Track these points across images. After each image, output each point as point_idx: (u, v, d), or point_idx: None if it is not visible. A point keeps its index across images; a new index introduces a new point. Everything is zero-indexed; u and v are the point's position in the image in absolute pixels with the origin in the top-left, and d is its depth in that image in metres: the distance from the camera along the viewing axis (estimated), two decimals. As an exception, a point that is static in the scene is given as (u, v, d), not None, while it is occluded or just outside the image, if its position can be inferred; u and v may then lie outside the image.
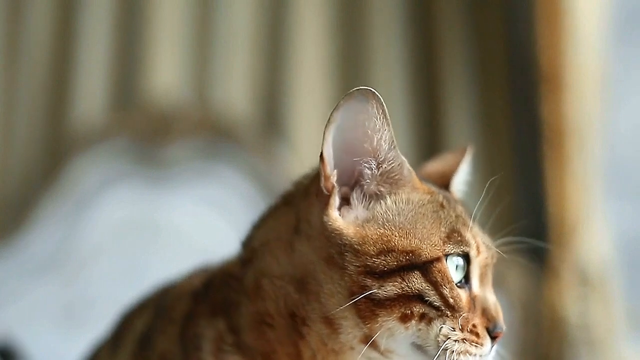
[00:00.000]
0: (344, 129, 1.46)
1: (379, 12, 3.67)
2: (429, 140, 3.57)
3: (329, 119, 1.45)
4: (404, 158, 1.50)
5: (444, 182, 1.65)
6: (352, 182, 1.50)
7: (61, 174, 3.46)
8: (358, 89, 1.44)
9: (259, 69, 3.65)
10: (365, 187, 1.49)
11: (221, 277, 1.64)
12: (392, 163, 1.49)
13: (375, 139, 1.47)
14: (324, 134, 1.45)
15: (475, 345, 1.45)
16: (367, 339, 1.46)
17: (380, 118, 1.45)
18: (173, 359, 1.61)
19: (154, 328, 1.70)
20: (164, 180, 3.43)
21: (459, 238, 1.47)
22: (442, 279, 1.44)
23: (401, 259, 1.43)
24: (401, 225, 1.46)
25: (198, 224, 3.36)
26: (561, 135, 3.32)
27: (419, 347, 1.45)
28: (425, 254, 1.44)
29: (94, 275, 3.32)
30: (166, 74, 3.61)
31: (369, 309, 1.44)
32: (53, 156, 3.58)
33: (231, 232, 3.15)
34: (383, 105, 1.45)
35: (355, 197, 1.49)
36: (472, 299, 1.48)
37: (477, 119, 3.57)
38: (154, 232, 3.36)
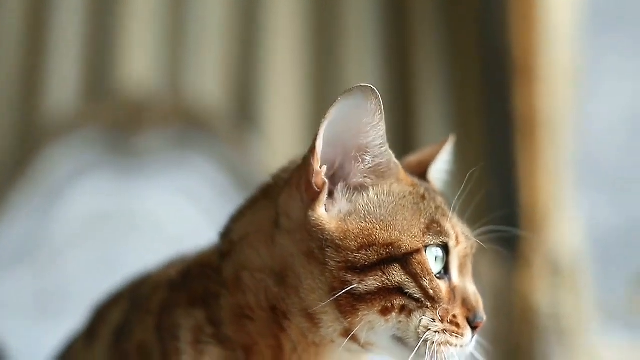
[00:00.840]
0: (338, 124, 1.45)
1: (352, 4, 3.67)
2: (402, 132, 3.57)
3: (326, 115, 1.44)
4: (391, 152, 1.51)
5: (421, 172, 1.66)
6: (338, 176, 1.50)
7: (33, 164, 3.44)
8: (359, 86, 1.44)
9: (232, 58, 3.65)
10: (352, 180, 1.50)
11: (199, 267, 1.63)
12: (382, 158, 1.50)
13: (371, 134, 1.47)
14: (319, 129, 1.45)
15: (456, 336, 1.45)
16: (348, 333, 1.46)
17: (377, 114, 1.46)
18: (150, 349, 1.60)
19: (131, 319, 1.70)
20: (136, 169, 3.41)
21: (438, 229, 1.47)
22: (422, 271, 1.44)
23: (382, 252, 1.44)
24: (382, 218, 1.46)
25: (171, 213, 3.36)
26: (534, 126, 3.34)
27: (400, 340, 1.45)
28: (405, 246, 1.44)
29: (67, 266, 3.30)
30: (139, 63, 3.60)
31: (350, 303, 1.44)
32: (25, 146, 3.56)
33: (204, 222, 3.18)
34: (381, 102, 1.45)
35: (339, 190, 1.49)
36: (452, 290, 1.48)
37: (450, 111, 3.57)
38: (126, 222, 3.35)
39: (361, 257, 1.44)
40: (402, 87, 3.64)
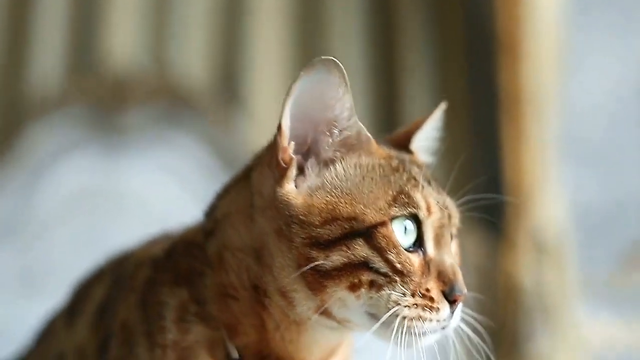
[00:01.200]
0: (303, 99, 1.44)
1: (336, -20, 3.66)
2: (386, 108, 3.57)
3: (289, 90, 1.43)
4: (361, 125, 1.49)
5: (406, 142, 1.64)
6: (308, 152, 1.49)
7: (17, 141, 3.43)
8: (320, 59, 1.43)
9: (217, 36, 3.63)
10: (322, 155, 1.48)
11: (184, 245, 1.63)
12: (351, 130, 1.48)
13: (337, 107, 1.46)
14: (283, 105, 1.44)
15: (430, 310, 1.42)
16: (322, 310, 1.44)
17: (342, 87, 1.44)
18: (134, 327, 1.60)
19: (114, 297, 1.69)
20: (121, 147, 3.41)
21: (407, 200, 1.44)
22: (387, 244, 1.42)
23: (345, 226, 1.42)
24: (347, 192, 1.45)
25: (155, 191, 3.35)
26: (518, 103, 3.33)
27: (373, 316, 1.43)
28: (369, 219, 1.42)
29: (52, 243, 3.29)
30: (124, 40, 3.58)
31: (317, 280, 1.43)
32: (9, 124, 3.54)
33: (188, 200, 3.17)
34: (344, 74, 1.43)
35: (309, 166, 1.48)
36: (427, 263, 1.45)
37: (435, 88, 3.57)
38: (111, 199, 3.34)
39: (325, 233, 1.42)
40: (386, 63, 3.63)
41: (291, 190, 1.46)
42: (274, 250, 1.47)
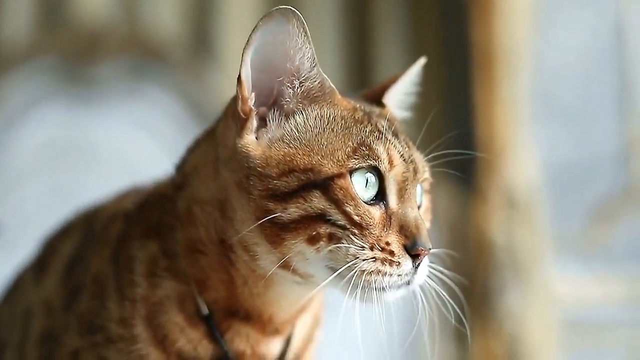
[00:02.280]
0: (263, 50, 1.43)
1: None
2: (360, 65, 3.56)
3: (248, 40, 1.41)
4: (325, 76, 1.47)
5: (380, 96, 1.63)
6: (270, 103, 1.47)
7: (-14, 93, 3.41)
8: (277, 9, 1.41)
9: (189, -13, 3.61)
10: (284, 106, 1.47)
11: (155, 198, 1.61)
12: (313, 81, 1.46)
13: (297, 57, 1.44)
14: (242, 56, 1.42)
15: (390, 264, 1.40)
16: (284, 264, 1.43)
17: (301, 37, 1.42)
18: (106, 280, 1.59)
19: (85, 251, 1.68)
20: (91, 99, 3.38)
21: (367, 152, 1.42)
22: (344, 196, 1.39)
23: (302, 178, 1.40)
24: (306, 143, 1.43)
25: (127, 143, 3.34)
26: (491, 60, 3.33)
27: (334, 270, 1.41)
28: (326, 171, 1.40)
29: (23, 195, 3.28)
30: (95, -9, 3.55)
31: (275, 233, 1.41)
32: (-22, 76, 3.51)
33: (160, 153, 3.16)
34: (304, 24, 1.42)
35: (271, 117, 1.46)
36: (389, 216, 1.43)
37: (408, 44, 3.56)
38: (82, 151, 3.33)
39: (282, 184, 1.41)
40: (360, 20, 3.62)
41: (250, 141, 1.44)
42: (235, 203, 1.45)
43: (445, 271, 1.53)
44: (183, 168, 1.59)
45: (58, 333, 1.65)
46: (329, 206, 1.39)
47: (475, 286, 3.34)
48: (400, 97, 1.67)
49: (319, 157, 1.41)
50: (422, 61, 1.67)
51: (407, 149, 1.48)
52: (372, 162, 1.42)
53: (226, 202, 1.47)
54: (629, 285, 3.58)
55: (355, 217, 1.40)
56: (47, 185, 3.28)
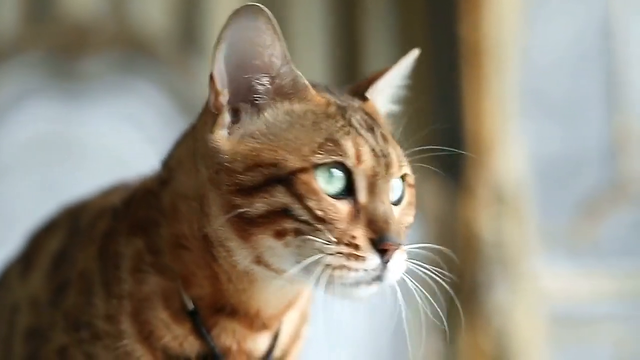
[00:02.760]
0: (234, 47, 1.42)
1: None
2: (347, 58, 3.56)
3: (219, 37, 1.42)
4: (298, 72, 1.46)
5: (365, 89, 1.61)
6: (243, 99, 1.46)
7: (-27, 88, 3.40)
8: (245, 6, 1.40)
9: (177, -18, 3.61)
10: (256, 103, 1.46)
11: (141, 194, 1.60)
12: (284, 78, 1.46)
13: (266, 54, 1.43)
14: (214, 52, 1.42)
15: (355, 259, 1.37)
16: (257, 260, 1.42)
17: (270, 33, 1.42)
18: (92, 277, 1.58)
19: (72, 247, 1.67)
20: (79, 94, 3.38)
21: (333, 147, 1.40)
22: (307, 191, 1.38)
23: (266, 172, 1.39)
24: (273, 138, 1.42)
25: (115, 139, 3.33)
26: (479, 54, 3.34)
27: (301, 264, 1.39)
28: (290, 165, 1.39)
29: (10, 191, 3.28)
30: (82, -15, 3.55)
31: (244, 228, 1.40)
32: (-34, 70, 3.51)
33: (148, 148, 3.16)
34: (272, 20, 1.41)
35: (244, 113, 1.45)
36: (357, 210, 1.40)
37: (395, 38, 3.56)
38: (70, 146, 3.32)
39: (247, 179, 1.40)
40: (347, 13, 3.62)
41: (221, 136, 1.44)
42: (210, 198, 1.45)
43: (428, 267, 1.49)
44: (169, 163, 1.58)
45: (44, 329, 1.64)
46: (291, 201, 1.38)
47: (463, 281, 3.35)
48: (389, 90, 1.65)
49: (284, 152, 1.40)
50: (414, 53, 1.65)
51: (381, 143, 1.46)
52: (337, 158, 1.40)
53: (203, 197, 1.47)
54: (618, 280, 3.59)
55: (318, 212, 1.38)
56: (35, 180, 3.28)
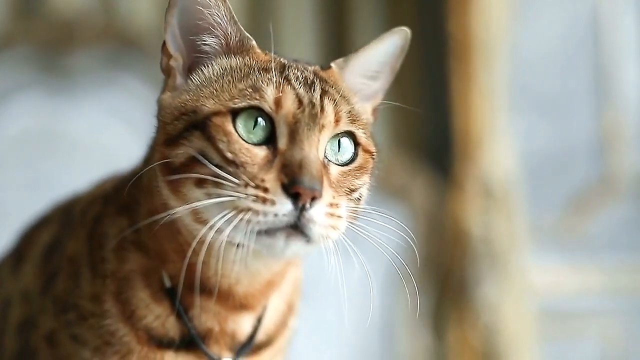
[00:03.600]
0: (183, 12, 1.48)
1: None
2: (335, 53, 3.56)
3: (169, 3, 1.48)
4: (245, 33, 1.51)
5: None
6: (193, 59, 1.51)
7: (-39, 83, 3.39)
8: None
9: (165, -23, 3.59)
10: (202, 62, 1.51)
11: (130, 177, 1.61)
12: (230, 37, 1.51)
13: (209, 14, 1.48)
14: (165, 17, 1.49)
15: (263, 201, 1.36)
16: (196, 217, 1.42)
17: None
18: (81, 260, 1.60)
19: (63, 236, 1.69)
20: (68, 89, 3.37)
21: (251, 92, 1.42)
22: (218, 132, 1.40)
23: (186, 119, 1.42)
24: (201, 88, 1.46)
25: (103, 133, 3.33)
26: (468, 50, 3.34)
27: (220, 211, 1.38)
28: (206, 110, 1.42)
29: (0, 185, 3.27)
30: (70, -19, 3.54)
31: (172, 182, 1.42)
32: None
33: (136, 141, 3.15)
34: None
35: (193, 73, 1.50)
36: (274, 156, 1.40)
37: (384, 32, 3.56)
38: (58, 141, 3.32)
39: (172, 128, 1.43)
40: (336, 11, 3.62)
41: (165, 96, 1.49)
42: (155, 160, 1.48)
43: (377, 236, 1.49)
44: (150, 142, 1.60)
45: (34, 317, 1.66)
46: (206, 144, 1.40)
47: (451, 275, 3.35)
48: (368, 65, 1.63)
49: (205, 99, 1.44)
50: (402, 31, 1.64)
51: (314, 95, 1.46)
52: (253, 102, 1.42)
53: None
54: (606, 275, 3.60)
55: (229, 154, 1.39)
56: (24, 174, 3.27)
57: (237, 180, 1.37)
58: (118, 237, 1.56)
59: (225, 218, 1.36)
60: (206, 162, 1.39)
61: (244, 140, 1.40)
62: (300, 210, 1.36)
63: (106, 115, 3.34)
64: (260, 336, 1.61)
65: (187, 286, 1.51)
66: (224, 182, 1.37)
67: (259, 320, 1.60)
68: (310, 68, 1.54)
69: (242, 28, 1.51)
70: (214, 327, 1.55)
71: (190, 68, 1.51)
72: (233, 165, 1.38)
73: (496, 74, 3.36)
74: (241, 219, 1.36)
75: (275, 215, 1.36)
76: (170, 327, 1.54)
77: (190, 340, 1.55)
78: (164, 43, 1.50)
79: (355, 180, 1.50)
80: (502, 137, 3.37)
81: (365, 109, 1.64)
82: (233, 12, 1.49)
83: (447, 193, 3.38)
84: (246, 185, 1.37)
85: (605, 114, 3.63)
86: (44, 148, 3.31)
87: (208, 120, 1.41)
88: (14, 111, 3.35)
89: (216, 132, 1.40)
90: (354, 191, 1.49)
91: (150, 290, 1.54)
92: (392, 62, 1.65)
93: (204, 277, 1.49)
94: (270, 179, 1.37)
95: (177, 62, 1.50)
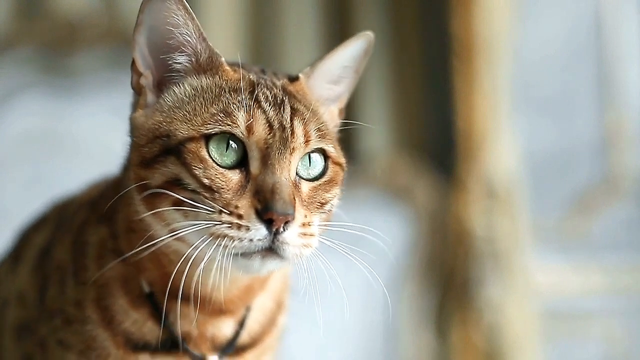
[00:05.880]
0: (151, 30, 1.47)
1: None
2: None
3: (136, 21, 1.46)
4: (214, 50, 1.50)
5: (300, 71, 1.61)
6: (164, 78, 1.50)
7: (-35, 83, 3.39)
8: None
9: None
10: (173, 80, 1.50)
11: (115, 185, 1.62)
12: (199, 55, 1.50)
13: (180, 34, 1.47)
14: (133, 36, 1.47)
15: (238, 228, 1.38)
16: (171, 232, 1.43)
17: (181, 14, 1.46)
18: (66, 267, 1.61)
19: (55, 239, 1.70)
20: (71, 89, 3.38)
21: (223, 117, 1.42)
22: (193, 159, 1.40)
23: (161, 143, 1.42)
24: (173, 111, 1.46)
25: (105, 133, 3.33)
26: (470, 50, 3.34)
27: (197, 234, 1.40)
28: (180, 135, 1.42)
29: (2, 186, 3.27)
30: (73, -18, 3.54)
31: (150, 201, 1.43)
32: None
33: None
34: (182, 1, 1.45)
35: (164, 92, 1.50)
36: (247, 181, 1.42)
37: (387, 33, 3.56)
38: (61, 141, 3.32)
39: (146, 151, 1.44)
40: (340, 14, 3.61)
41: (137, 115, 1.49)
42: (131, 177, 1.48)
43: (349, 251, 1.48)
44: (126, 157, 1.61)
45: (33, 326, 1.67)
46: (181, 170, 1.41)
47: (455, 276, 3.35)
48: (333, 70, 1.63)
49: (178, 123, 1.43)
50: (366, 35, 1.63)
51: (285, 117, 1.46)
52: (225, 128, 1.42)
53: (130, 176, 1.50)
54: (608, 275, 3.60)
55: (205, 180, 1.40)
56: (27, 174, 3.27)
57: (212, 208, 1.39)
58: (98, 246, 1.58)
59: (203, 243, 1.38)
60: (183, 185, 1.41)
61: (217, 164, 1.41)
62: (274, 234, 1.39)
63: (108, 115, 3.34)
64: (244, 338, 1.62)
65: (164, 292, 1.50)
66: (199, 206, 1.39)
67: (241, 324, 1.60)
68: (278, 83, 1.54)
69: (210, 45, 1.49)
70: (193, 331, 1.55)
71: (159, 84, 1.50)
72: (209, 190, 1.40)
73: (499, 75, 3.36)
74: (218, 244, 1.38)
75: (251, 240, 1.38)
76: (147, 331, 1.55)
77: (169, 344, 1.56)
78: (133, 61, 1.49)
79: (326, 194, 1.52)
80: (505, 137, 3.37)
81: (332, 113, 1.65)
82: (201, 29, 1.48)
83: (450, 193, 3.38)
84: (221, 212, 1.39)
85: (608, 114, 3.63)
86: (46, 148, 3.31)
87: (182, 146, 1.41)
88: (17, 111, 3.35)
89: (192, 159, 1.41)
90: (325, 204, 1.50)
91: (129, 297, 1.55)
92: (355, 66, 1.64)
93: (180, 284, 1.48)
94: (244, 205, 1.39)
95: (147, 79, 1.49)
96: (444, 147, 3.38)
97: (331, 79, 1.63)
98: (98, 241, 1.58)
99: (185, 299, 1.52)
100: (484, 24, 3.33)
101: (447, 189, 3.39)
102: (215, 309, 1.54)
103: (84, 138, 3.32)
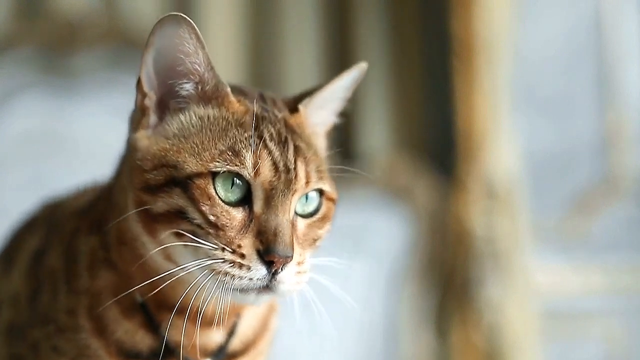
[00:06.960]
0: (160, 52, 1.47)
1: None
2: (338, 55, 3.56)
3: (147, 42, 1.47)
4: (221, 79, 1.51)
5: (299, 101, 1.62)
6: (168, 102, 1.50)
7: (-34, 83, 3.39)
8: (169, 15, 1.45)
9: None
10: (178, 106, 1.50)
11: (104, 193, 1.64)
12: (206, 84, 1.50)
13: (189, 61, 1.47)
14: (142, 56, 1.48)
15: (239, 267, 1.41)
16: (167, 257, 1.46)
17: (192, 41, 1.46)
18: (58, 274, 1.62)
19: (47, 244, 1.71)
20: (71, 89, 3.38)
21: (231, 157, 1.43)
22: (201, 195, 1.41)
23: (167, 172, 1.43)
24: (181, 140, 1.47)
25: (106, 134, 3.32)
26: (471, 50, 3.34)
27: (199, 268, 1.43)
28: (188, 169, 1.43)
29: (1, 186, 3.27)
30: (73, -19, 3.54)
31: (150, 224, 1.45)
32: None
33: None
34: (195, 29, 1.45)
35: (168, 116, 1.50)
36: (251, 220, 1.44)
37: (387, 33, 3.56)
38: (61, 142, 3.32)
39: (152, 178, 1.44)
40: (339, 10, 3.61)
41: (140, 136, 1.49)
42: (127, 194, 1.49)
43: (334, 287, 1.52)
44: (120, 158, 1.62)
45: (23, 328, 1.67)
46: (187, 204, 1.42)
47: (455, 276, 3.35)
48: (332, 103, 1.65)
49: (186, 155, 1.44)
50: (359, 67, 1.64)
51: (289, 158, 1.48)
52: (233, 168, 1.43)
53: (126, 192, 1.51)
54: (608, 275, 3.60)
55: (211, 217, 1.42)
56: (26, 175, 3.27)
57: (217, 244, 1.41)
58: (89, 255, 1.59)
59: (204, 278, 1.42)
60: (187, 218, 1.42)
61: (223, 201, 1.43)
62: (272, 274, 1.42)
63: (109, 115, 3.34)
64: (236, 345, 1.63)
65: (156, 304, 1.54)
66: (202, 242, 1.41)
67: (231, 333, 1.62)
68: (280, 116, 1.54)
69: (217, 74, 1.50)
70: (183, 341, 1.55)
71: (162, 105, 1.51)
72: (214, 227, 1.42)
73: (499, 75, 3.36)
74: (219, 280, 1.41)
75: (250, 279, 1.41)
76: (139, 340, 1.56)
77: (161, 353, 1.57)
78: (139, 80, 1.49)
79: (319, 230, 1.54)
80: (505, 137, 3.37)
81: (322, 137, 1.67)
82: (210, 58, 1.48)
83: (450, 193, 3.39)
84: (223, 249, 1.41)
85: (608, 114, 3.64)
86: (46, 148, 3.31)
87: (190, 181, 1.42)
88: (17, 111, 3.35)
89: (200, 196, 1.42)
90: (317, 240, 1.53)
91: (121, 307, 1.56)
92: (347, 94, 1.66)
93: (169, 296, 1.52)
94: (247, 245, 1.42)
95: (151, 100, 1.50)
96: (444, 147, 3.38)
97: (324, 105, 1.64)
98: (90, 250, 1.59)
99: (177, 311, 1.51)
100: (484, 24, 3.33)
101: (447, 189, 3.39)
102: (205, 321, 1.54)
103: (84, 138, 3.32)
